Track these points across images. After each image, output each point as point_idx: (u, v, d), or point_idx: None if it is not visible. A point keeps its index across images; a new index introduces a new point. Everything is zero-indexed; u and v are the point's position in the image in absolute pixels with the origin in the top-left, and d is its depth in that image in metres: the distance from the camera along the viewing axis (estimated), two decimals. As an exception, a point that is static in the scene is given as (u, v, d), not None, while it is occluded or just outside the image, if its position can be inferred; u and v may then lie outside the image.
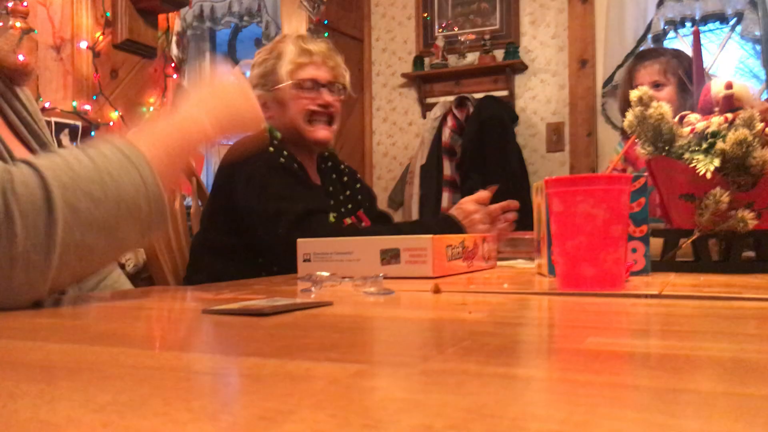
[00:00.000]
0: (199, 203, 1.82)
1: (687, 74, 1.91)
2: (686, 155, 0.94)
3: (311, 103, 1.50)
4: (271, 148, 1.42)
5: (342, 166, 1.68)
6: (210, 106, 0.79)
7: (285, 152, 1.43)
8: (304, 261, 0.98)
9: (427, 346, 0.41)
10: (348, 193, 1.62)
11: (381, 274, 0.80)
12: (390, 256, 0.93)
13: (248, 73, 0.80)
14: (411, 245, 0.92)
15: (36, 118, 0.89)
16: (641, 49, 3.31)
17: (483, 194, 1.47)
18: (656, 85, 2.02)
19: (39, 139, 0.86)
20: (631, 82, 2.05)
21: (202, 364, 0.36)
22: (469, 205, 1.43)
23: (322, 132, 1.51)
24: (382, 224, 1.65)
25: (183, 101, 0.80)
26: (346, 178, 1.66)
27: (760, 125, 0.92)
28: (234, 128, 0.82)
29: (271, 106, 1.52)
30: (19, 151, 0.81)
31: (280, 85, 1.50)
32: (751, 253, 1.02)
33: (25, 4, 2.60)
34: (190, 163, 0.78)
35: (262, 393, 0.30)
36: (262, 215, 1.34)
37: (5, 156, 0.75)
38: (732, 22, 3.44)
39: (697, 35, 1.20)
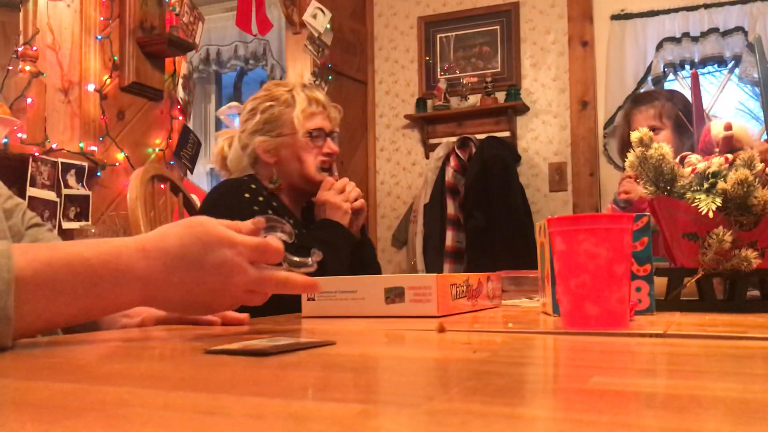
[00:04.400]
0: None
1: (684, 114, 1.93)
2: (688, 195, 0.95)
3: (320, 152, 1.55)
4: (261, 198, 1.48)
5: None
6: (168, 267, 0.62)
7: (261, 198, 1.49)
8: (309, 300, 0.98)
9: (432, 385, 0.41)
10: None
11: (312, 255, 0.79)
12: (394, 295, 0.93)
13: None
14: (415, 284, 0.92)
15: None
16: (639, 92, 3.36)
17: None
18: (652, 130, 2.04)
19: None
20: (628, 126, 2.07)
21: (207, 404, 0.36)
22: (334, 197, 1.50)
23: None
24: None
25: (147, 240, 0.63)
26: None
27: (760, 165, 0.93)
28: (184, 308, 0.65)
29: (278, 152, 1.56)
30: None
31: (295, 134, 1.54)
32: (755, 292, 1.02)
33: (34, 48, 2.66)
34: (90, 311, 0.59)
35: (266, 433, 0.30)
36: None
37: None
38: (730, 65, 3.48)
39: (695, 77, 1.21)
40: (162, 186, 1.83)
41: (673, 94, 2.11)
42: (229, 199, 1.46)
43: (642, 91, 3.38)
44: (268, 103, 1.57)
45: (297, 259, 0.76)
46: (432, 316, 0.90)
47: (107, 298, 0.59)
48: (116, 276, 0.59)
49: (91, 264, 0.58)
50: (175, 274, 0.63)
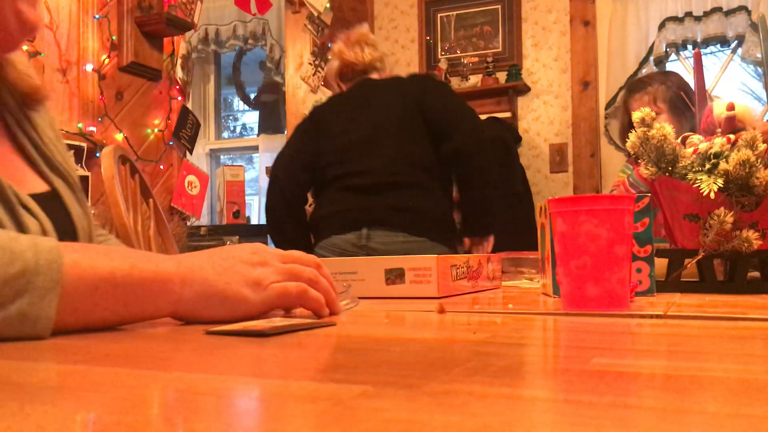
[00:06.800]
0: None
1: (684, 93, 1.93)
2: (689, 175, 0.94)
3: None
4: None
5: None
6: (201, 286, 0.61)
7: None
8: None
9: (432, 366, 0.40)
10: None
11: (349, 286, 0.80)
12: (395, 276, 0.93)
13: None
14: (416, 265, 0.92)
15: (46, 141, 0.83)
16: (634, 78, 3.35)
17: None
18: None
19: (49, 162, 0.81)
20: (628, 114, 2.09)
21: (207, 385, 0.36)
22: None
23: None
24: None
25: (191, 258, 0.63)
26: None
27: (762, 146, 0.92)
28: (210, 313, 0.62)
29: None
30: (25, 176, 0.78)
31: None
32: (756, 274, 1.02)
33: (32, 27, 2.63)
34: (121, 316, 0.58)
35: (266, 414, 0.30)
36: None
37: (3, 185, 0.70)
38: (733, 45, 3.46)
39: (698, 57, 1.20)
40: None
41: (668, 76, 2.11)
42: None
43: (637, 77, 3.37)
44: None
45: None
46: (432, 297, 0.90)
47: (146, 303, 0.59)
48: (154, 269, 0.59)
49: (132, 273, 0.57)
50: (209, 253, 0.64)
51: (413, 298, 0.91)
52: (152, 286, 0.59)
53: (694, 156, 0.97)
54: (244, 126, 5.04)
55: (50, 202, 0.78)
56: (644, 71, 3.48)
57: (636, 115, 0.99)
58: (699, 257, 0.94)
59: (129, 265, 0.57)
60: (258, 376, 0.39)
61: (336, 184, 1.96)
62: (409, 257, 0.95)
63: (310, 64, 3.49)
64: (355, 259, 0.97)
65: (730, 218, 0.90)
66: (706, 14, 3.43)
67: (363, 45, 2.04)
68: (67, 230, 0.79)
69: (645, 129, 0.98)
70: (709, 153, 0.95)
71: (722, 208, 0.91)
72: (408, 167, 1.88)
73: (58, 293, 0.52)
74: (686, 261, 0.96)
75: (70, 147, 2.63)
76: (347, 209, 1.91)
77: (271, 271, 0.65)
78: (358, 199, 1.89)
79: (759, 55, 3.27)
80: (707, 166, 0.94)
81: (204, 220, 3.72)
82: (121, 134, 2.93)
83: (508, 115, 3.75)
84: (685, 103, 1.90)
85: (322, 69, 3.56)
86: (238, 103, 5.00)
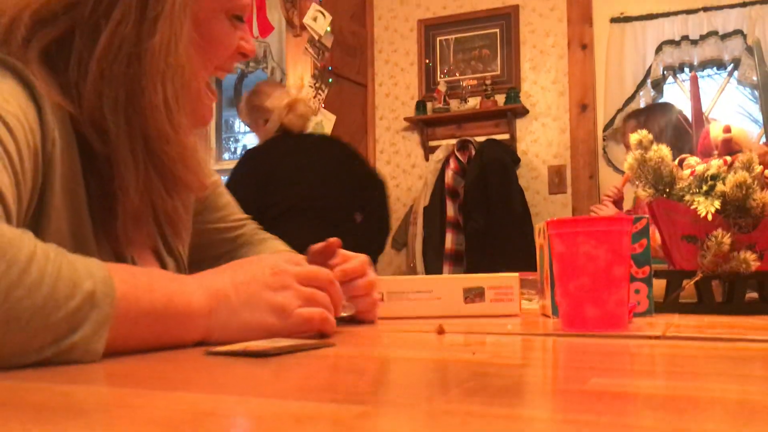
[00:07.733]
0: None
1: (669, 123, 2.01)
2: (687, 197, 0.95)
3: None
4: None
5: None
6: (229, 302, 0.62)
7: None
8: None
9: (431, 386, 0.41)
10: None
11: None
12: (474, 294, 0.93)
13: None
14: (496, 284, 0.94)
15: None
16: (635, 99, 3.48)
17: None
18: None
19: (168, 247, 0.84)
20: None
21: (207, 405, 0.36)
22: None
23: None
24: None
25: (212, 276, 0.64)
26: None
27: (759, 168, 0.93)
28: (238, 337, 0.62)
29: None
30: (145, 253, 0.80)
31: None
32: (754, 295, 1.02)
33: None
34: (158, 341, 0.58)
35: (267, 433, 0.30)
36: None
37: (125, 256, 0.72)
38: (729, 68, 3.49)
39: (695, 80, 1.22)
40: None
41: (654, 109, 2.22)
42: None
43: (631, 102, 3.48)
44: None
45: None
46: (513, 315, 0.93)
47: (176, 335, 0.60)
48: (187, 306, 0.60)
49: (168, 306, 0.58)
50: (230, 275, 0.65)
51: (494, 316, 0.92)
52: (185, 321, 0.59)
53: (691, 178, 0.98)
54: (245, 148, 5.06)
55: None
56: (641, 94, 3.51)
57: (633, 138, 1.00)
58: (697, 278, 0.94)
59: (167, 299, 0.58)
60: (258, 396, 0.39)
61: (295, 220, 2.45)
62: (489, 276, 0.95)
63: (310, 86, 3.51)
64: (430, 277, 0.98)
65: (727, 239, 0.91)
66: (703, 38, 3.46)
67: (306, 120, 2.64)
68: None
69: (642, 151, 0.98)
70: (706, 175, 0.96)
71: (720, 230, 0.91)
72: (345, 210, 2.63)
73: (108, 328, 0.52)
74: (684, 282, 0.96)
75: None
76: (319, 239, 2.44)
77: (292, 295, 0.65)
78: (325, 232, 2.41)
79: (755, 78, 3.30)
80: (704, 188, 0.95)
81: (203, 241, 3.72)
82: (122, 156, 2.93)
83: (506, 137, 3.76)
84: (687, 125, 1.95)
85: (323, 91, 3.58)
86: (239, 125, 5.02)
